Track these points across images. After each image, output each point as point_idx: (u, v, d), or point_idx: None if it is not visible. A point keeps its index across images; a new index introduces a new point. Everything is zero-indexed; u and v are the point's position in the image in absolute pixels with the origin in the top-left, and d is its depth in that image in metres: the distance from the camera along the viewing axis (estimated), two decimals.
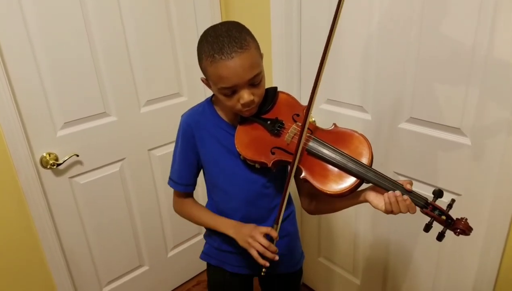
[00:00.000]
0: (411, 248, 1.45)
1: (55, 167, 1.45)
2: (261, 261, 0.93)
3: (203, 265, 1.26)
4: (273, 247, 0.93)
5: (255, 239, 0.94)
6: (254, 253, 0.93)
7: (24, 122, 1.36)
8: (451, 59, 1.13)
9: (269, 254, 0.92)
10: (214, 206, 1.13)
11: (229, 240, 1.11)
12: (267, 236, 0.94)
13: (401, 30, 1.22)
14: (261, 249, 0.92)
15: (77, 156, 1.52)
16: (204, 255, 1.20)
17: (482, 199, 1.18)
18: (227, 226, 1.03)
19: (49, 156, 1.44)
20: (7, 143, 1.32)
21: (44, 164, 1.44)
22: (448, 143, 1.21)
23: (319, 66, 0.85)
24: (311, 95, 0.88)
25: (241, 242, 0.98)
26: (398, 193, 0.84)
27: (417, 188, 1.32)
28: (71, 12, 1.38)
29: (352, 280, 1.76)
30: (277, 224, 0.93)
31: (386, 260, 1.57)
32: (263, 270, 0.95)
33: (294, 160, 0.89)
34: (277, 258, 0.93)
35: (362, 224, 1.60)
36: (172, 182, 1.10)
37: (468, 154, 1.18)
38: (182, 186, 1.09)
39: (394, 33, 1.24)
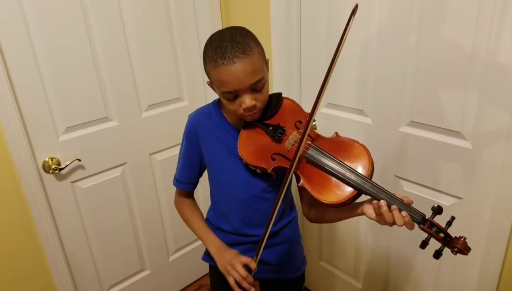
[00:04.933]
0: (413, 251, 1.45)
1: (57, 171, 1.45)
2: (237, 290, 0.96)
3: (204, 269, 1.27)
4: (250, 279, 0.95)
5: (234, 267, 0.97)
6: (231, 281, 0.97)
7: (27, 127, 1.37)
8: (450, 63, 1.13)
9: (245, 285, 0.95)
10: (215, 206, 1.14)
11: (230, 243, 1.11)
12: (247, 267, 0.97)
13: (400, 34, 1.22)
14: (239, 278, 0.95)
15: (79, 160, 1.52)
16: (206, 256, 1.21)
17: (483, 203, 1.18)
18: (211, 243, 1.08)
19: (51, 160, 1.45)
20: (9, 148, 1.33)
21: (46, 168, 1.44)
22: (448, 147, 1.22)
23: (323, 81, 0.86)
24: (313, 108, 0.88)
25: (220, 266, 1.02)
26: (383, 202, 0.82)
27: (418, 191, 1.34)
28: (73, 18, 1.40)
29: (354, 284, 1.76)
30: (257, 256, 0.96)
31: (387, 264, 1.57)
32: None
33: (290, 167, 0.89)
34: (253, 290, 0.96)
35: (364, 228, 1.60)
36: (175, 179, 1.14)
37: (469, 157, 1.18)
38: (183, 184, 1.12)
39: (393, 37, 1.25)
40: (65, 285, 1.59)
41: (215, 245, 1.07)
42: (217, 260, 1.04)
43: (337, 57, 0.84)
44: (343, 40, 0.84)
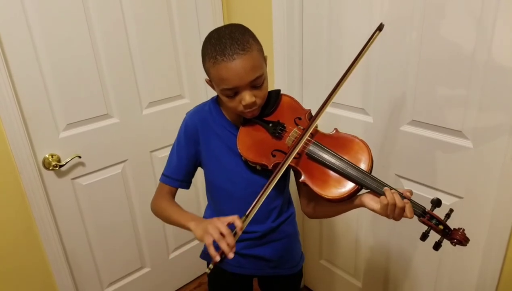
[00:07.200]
0: (413, 250, 1.45)
1: (57, 168, 1.45)
2: (212, 251, 0.78)
3: (204, 267, 1.26)
4: (231, 239, 0.77)
5: (215, 225, 0.79)
6: (208, 240, 0.78)
7: (27, 124, 1.37)
8: (452, 62, 1.13)
9: (223, 245, 0.76)
10: (213, 205, 1.14)
11: None
12: (231, 226, 0.80)
13: (402, 33, 1.22)
14: (217, 236, 0.77)
15: (80, 157, 1.52)
16: (204, 255, 1.21)
17: (484, 202, 1.17)
18: (189, 218, 0.93)
19: (52, 157, 1.45)
20: (10, 145, 1.33)
21: (46, 165, 1.44)
22: (449, 146, 1.21)
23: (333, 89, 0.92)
24: (318, 110, 0.90)
25: (199, 232, 0.84)
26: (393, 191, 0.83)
27: (418, 190, 1.33)
28: (74, 14, 1.39)
29: (354, 283, 1.76)
30: (246, 216, 0.81)
31: (387, 263, 1.57)
32: (209, 266, 0.80)
33: (284, 160, 0.88)
34: (231, 256, 0.77)
35: (364, 226, 1.60)
36: (165, 177, 1.07)
37: (470, 156, 1.17)
38: (177, 182, 1.07)
39: (395, 36, 1.24)
40: (64, 281, 1.60)
41: (192, 218, 0.93)
42: (196, 229, 0.85)
43: (356, 64, 0.91)
44: (364, 51, 0.90)
